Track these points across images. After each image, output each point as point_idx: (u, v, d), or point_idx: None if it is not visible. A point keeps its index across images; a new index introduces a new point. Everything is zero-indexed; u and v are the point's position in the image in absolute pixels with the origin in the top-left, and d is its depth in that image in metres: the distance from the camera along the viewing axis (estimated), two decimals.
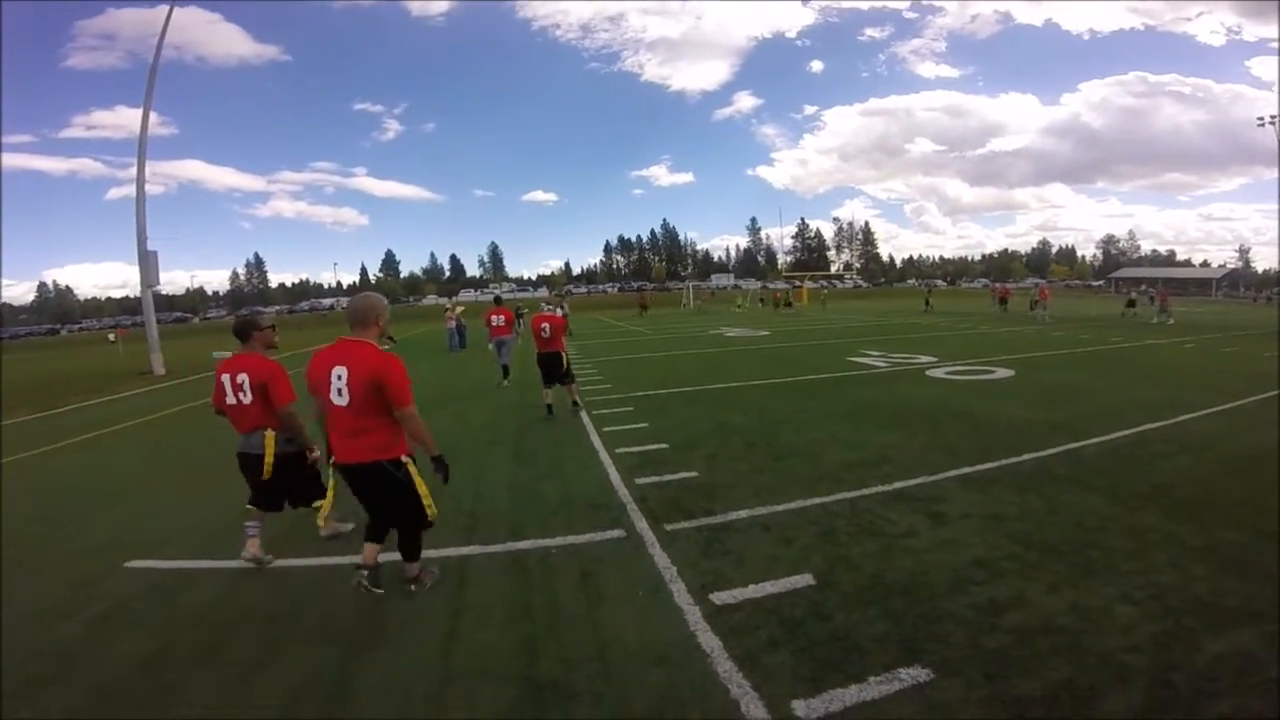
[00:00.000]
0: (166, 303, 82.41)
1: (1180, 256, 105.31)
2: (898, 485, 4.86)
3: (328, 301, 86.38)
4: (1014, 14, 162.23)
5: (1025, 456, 5.53)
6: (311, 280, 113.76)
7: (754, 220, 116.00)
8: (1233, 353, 13.24)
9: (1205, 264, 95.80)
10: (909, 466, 5.32)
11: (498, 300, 13.49)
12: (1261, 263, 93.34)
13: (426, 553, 3.61)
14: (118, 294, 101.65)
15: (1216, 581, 3.17)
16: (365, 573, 3.31)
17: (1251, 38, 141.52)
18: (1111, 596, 3.06)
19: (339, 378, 3.10)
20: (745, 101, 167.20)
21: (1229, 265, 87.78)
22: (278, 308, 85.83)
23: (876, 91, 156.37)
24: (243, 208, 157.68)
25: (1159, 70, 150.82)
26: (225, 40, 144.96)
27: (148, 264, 17.69)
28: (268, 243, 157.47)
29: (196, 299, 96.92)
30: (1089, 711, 2.27)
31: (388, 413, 3.13)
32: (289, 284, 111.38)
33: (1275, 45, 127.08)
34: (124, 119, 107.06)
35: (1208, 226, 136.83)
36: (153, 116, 18.85)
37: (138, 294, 19.70)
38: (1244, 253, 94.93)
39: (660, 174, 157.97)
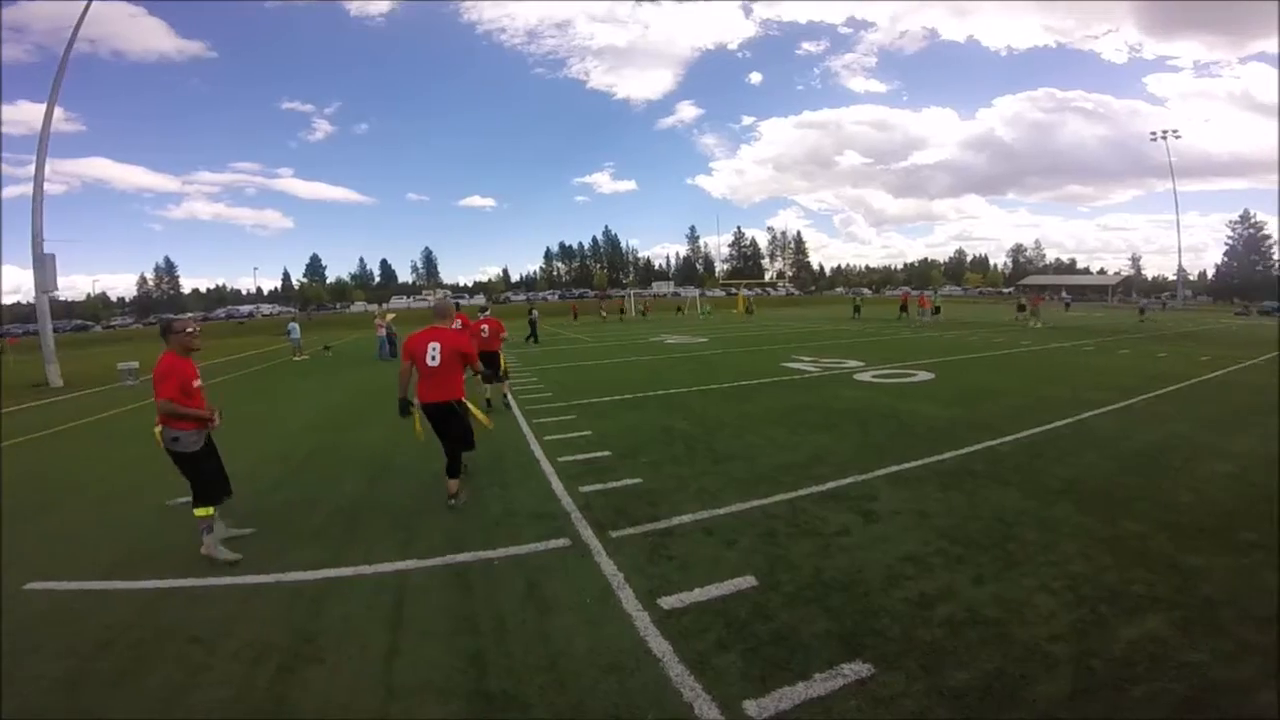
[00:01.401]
0: (65, 310, 76.02)
1: (1080, 264, 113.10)
2: (831, 485, 5.04)
3: (246, 308, 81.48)
4: (940, 30, 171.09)
5: (947, 455, 5.84)
6: (229, 286, 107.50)
7: (693, 229, 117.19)
8: (1127, 354, 14.41)
9: (1102, 271, 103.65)
10: (841, 467, 5.52)
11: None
12: (1151, 270, 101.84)
13: (358, 568, 3.83)
14: (9, 299, 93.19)
15: (1124, 571, 3.44)
16: (452, 500, 4.87)
17: (1151, 55, 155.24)
18: (1031, 587, 3.27)
19: (433, 348, 4.83)
20: (687, 111, 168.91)
21: (1123, 272, 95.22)
22: (191, 315, 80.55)
23: (810, 104, 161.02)
24: (153, 209, 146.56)
25: (1066, 86, 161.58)
26: (146, 35, 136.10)
27: (44, 267, 16.33)
28: (181, 246, 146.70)
29: (99, 305, 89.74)
30: (1021, 700, 2.41)
31: (459, 372, 4.93)
32: (204, 289, 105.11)
33: (1170, 63, 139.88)
34: (26, 114, 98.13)
35: (1105, 236, 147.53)
36: (58, 112, 17.50)
37: (32, 300, 18.11)
38: (1136, 260, 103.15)
39: (603, 181, 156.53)
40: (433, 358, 4.81)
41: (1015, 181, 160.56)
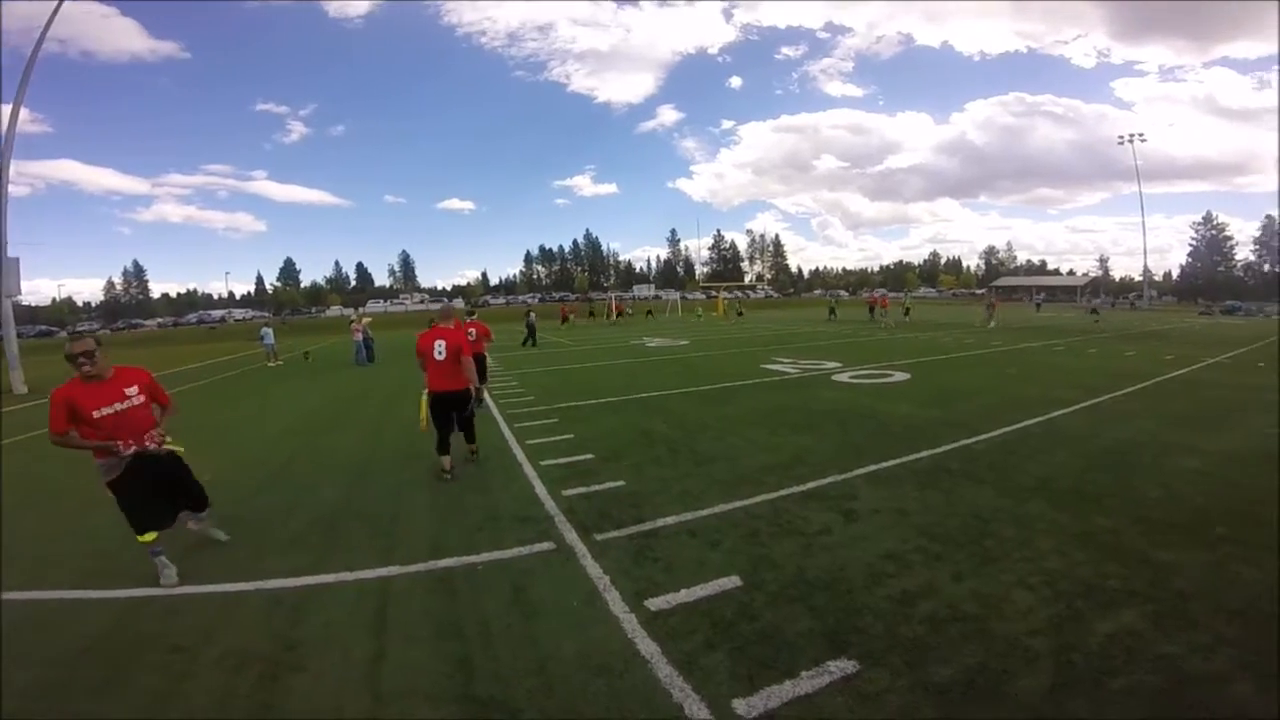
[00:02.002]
0: (29, 315, 73.91)
1: (1051, 266, 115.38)
2: (811, 485, 5.09)
3: (218, 313, 79.89)
4: (915, 36, 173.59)
5: (923, 454, 5.94)
6: (200, 290, 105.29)
7: (674, 232, 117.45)
8: (1095, 354, 14.77)
9: (1071, 273, 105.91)
10: (821, 467, 5.59)
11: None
12: (1118, 271, 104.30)
13: (340, 575, 3.81)
14: None
15: (1098, 565, 3.53)
16: (448, 475, 5.64)
17: (1119, 60, 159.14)
18: (1009, 583, 3.34)
19: (439, 345, 5.70)
20: (668, 115, 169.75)
21: (1091, 274, 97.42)
22: (160, 320, 78.90)
23: (788, 108, 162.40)
24: (122, 211, 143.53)
25: (1036, 91, 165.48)
26: (117, 35, 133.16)
27: (7, 271, 15.88)
28: (150, 250, 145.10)
29: (65, 310, 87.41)
30: (1004, 694, 2.46)
31: (464, 363, 5.75)
32: (174, 294, 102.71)
33: (1137, 68, 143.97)
34: None
35: (1074, 238, 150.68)
36: (24, 113, 17.00)
37: None
38: (1103, 262, 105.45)
39: (584, 184, 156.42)
40: (440, 352, 5.70)
41: (987, 185, 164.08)
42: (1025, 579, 3.38)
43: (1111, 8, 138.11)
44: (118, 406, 3.74)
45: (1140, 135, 62.87)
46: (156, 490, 3.93)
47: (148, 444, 3.81)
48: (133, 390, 3.85)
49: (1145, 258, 66.70)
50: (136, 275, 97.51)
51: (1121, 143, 63.56)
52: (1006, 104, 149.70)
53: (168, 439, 4.00)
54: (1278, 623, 2.87)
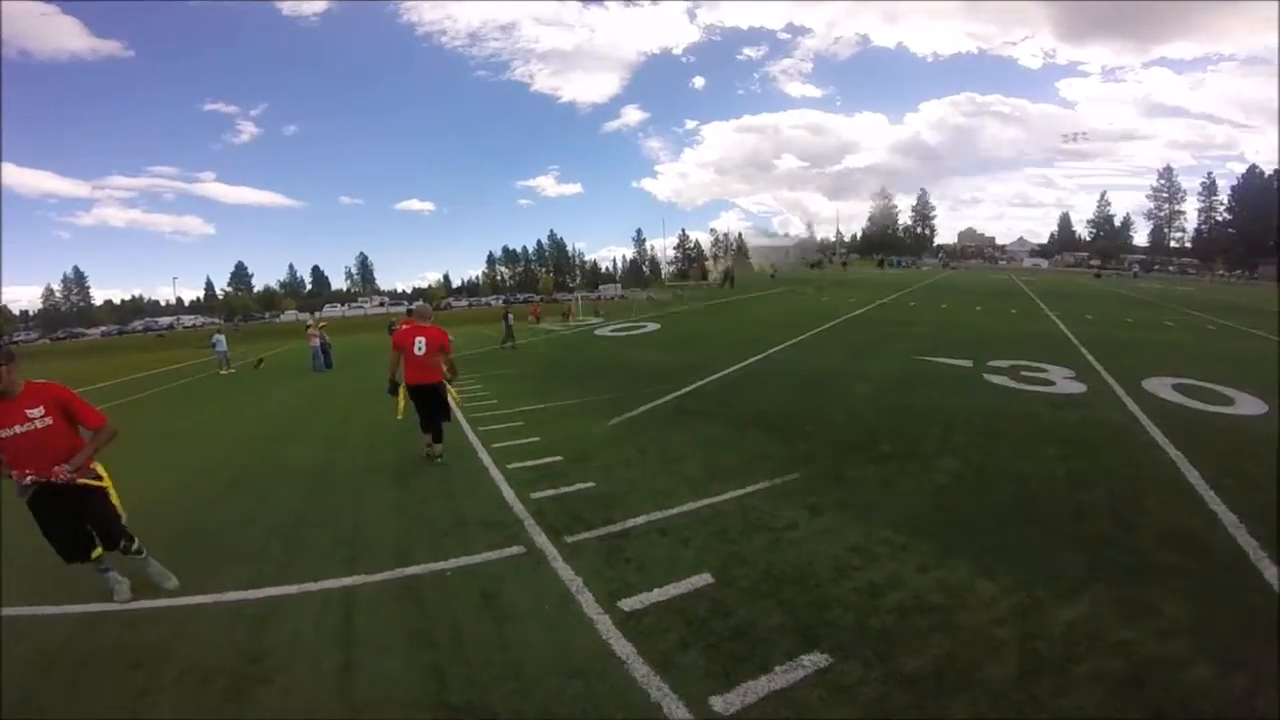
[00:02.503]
0: None
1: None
2: (777, 480, 5.13)
3: (165, 320, 76.97)
4: (871, 37, 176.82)
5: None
6: (146, 296, 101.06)
7: (639, 231, 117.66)
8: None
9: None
10: (784, 461, 5.62)
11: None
12: None
13: (303, 585, 3.74)
14: None
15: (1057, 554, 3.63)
16: (430, 449, 6.27)
17: (1064, 61, 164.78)
18: (972, 572, 3.42)
19: (419, 341, 6.07)
20: (632, 115, 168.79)
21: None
22: (104, 328, 75.74)
23: (750, 108, 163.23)
24: (60, 215, 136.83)
25: (986, 91, 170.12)
26: (57, 34, 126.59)
27: None
28: (91, 255, 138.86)
29: (0, 320, 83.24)
30: (973, 682, 2.51)
31: (440, 359, 6.22)
32: (118, 300, 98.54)
33: (1081, 69, 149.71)
34: None
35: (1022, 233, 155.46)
36: None
37: None
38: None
39: (548, 184, 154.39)
40: (419, 348, 6.05)
41: (938, 183, 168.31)
42: (988, 568, 3.46)
43: (1058, 7, 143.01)
44: (17, 429, 3.30)
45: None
46: (68, 522, 3.52)
47: (53, 477, 3.32)
48: (36, 412, 3.35)
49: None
50: (77, 281, 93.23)
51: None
52: (958, 104, 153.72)
53: (96, 467, 3.57)
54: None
